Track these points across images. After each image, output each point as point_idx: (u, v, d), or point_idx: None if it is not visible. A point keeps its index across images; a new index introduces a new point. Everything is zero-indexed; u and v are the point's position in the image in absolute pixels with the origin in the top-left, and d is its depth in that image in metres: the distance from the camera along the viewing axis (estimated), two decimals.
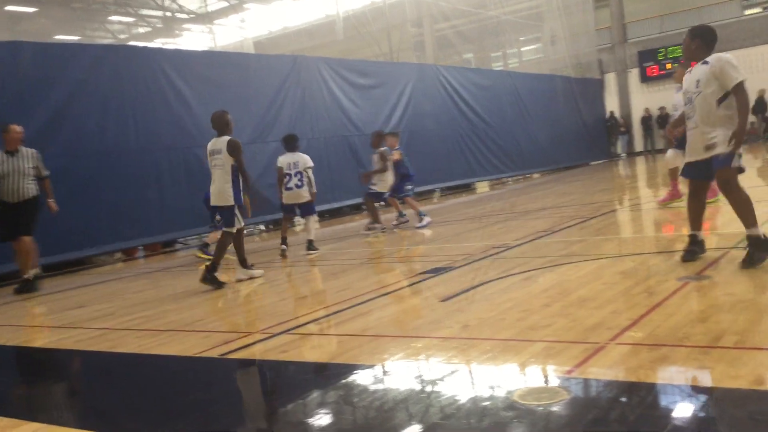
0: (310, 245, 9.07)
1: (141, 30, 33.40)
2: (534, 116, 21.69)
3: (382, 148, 10.43)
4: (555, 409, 2.74)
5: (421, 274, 6.52)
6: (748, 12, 28.56)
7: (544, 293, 4.87)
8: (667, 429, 2.48)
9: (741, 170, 5.01)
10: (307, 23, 31.80)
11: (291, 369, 3.93)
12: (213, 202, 7.10)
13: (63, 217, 8.72)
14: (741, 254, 5.10)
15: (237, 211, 6.98)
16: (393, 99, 16.56)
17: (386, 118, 16.13)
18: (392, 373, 3.57)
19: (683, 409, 2.65)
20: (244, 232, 7.59)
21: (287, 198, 9.16)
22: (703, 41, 5.31)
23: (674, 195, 8.99)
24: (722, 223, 7.51)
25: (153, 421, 3.27)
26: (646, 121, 27.29)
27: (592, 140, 25.81)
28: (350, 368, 3.71)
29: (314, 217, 9.62)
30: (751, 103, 4.83)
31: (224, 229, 7.06)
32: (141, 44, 27.47)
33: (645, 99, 27.80)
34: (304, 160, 9.16)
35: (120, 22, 32.51)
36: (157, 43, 30.58)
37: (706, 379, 2.90)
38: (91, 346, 5.02)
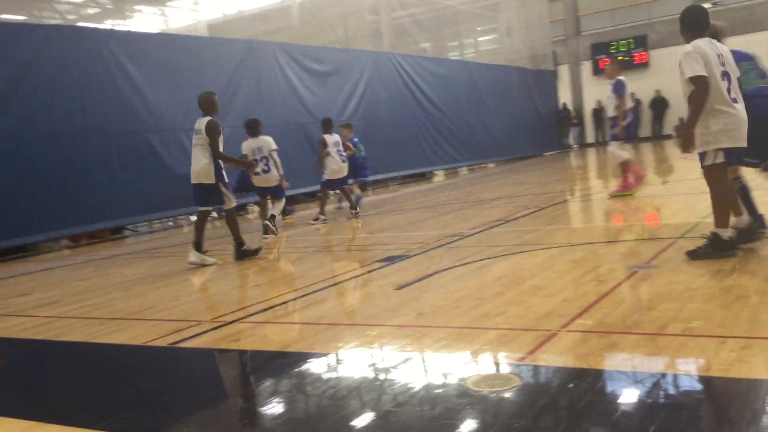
0: (272, 220, 9.09)
1: (90, 11, 32.40)
2: (489, 106, 21.87)
3: (323, 136, 10.42)
4: (507, 395, 2.77)
5: (376, 262, 6.51)
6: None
7: (498, 281, 4.91)
8: (616, 415, 2.52)
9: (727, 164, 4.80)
10: (262, 7, 31.30)
11: (243, 358, 3.88)
12: (193, 180, 7.11)
13: (8, 201, 8.43)
14: (688, 244, 5.23)
15: (224, 189, 7.08)
16: (349, 86, 16.47)
17: (342, 105, 16.05)
18: (346, 362, 3.56)
19: (631, 395, 2.70)
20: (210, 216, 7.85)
21: (258, 183, 9.29)
22: (683, 25, 5.00)
23: (625, 187, 9.15)
24: (670, 213, 7.69)
25: (100, 411, 3.19)
26: (597, 113, 27.78)
27: (546, 131, 26.17)
28: (304, 357, 3.68)
29: (282, 201, 9.68)
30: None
31: (222, 207, 7.30)
32: (90, 25, 26.65)
33: (597, 91, 28.24)
34: (268, 143, 9.23)
35: (69, 2, 31.44)
36: (107, 25, 29.73)
37: (653, 366, 2.96)
38: (37, 335, 4.87)
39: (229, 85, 13.46)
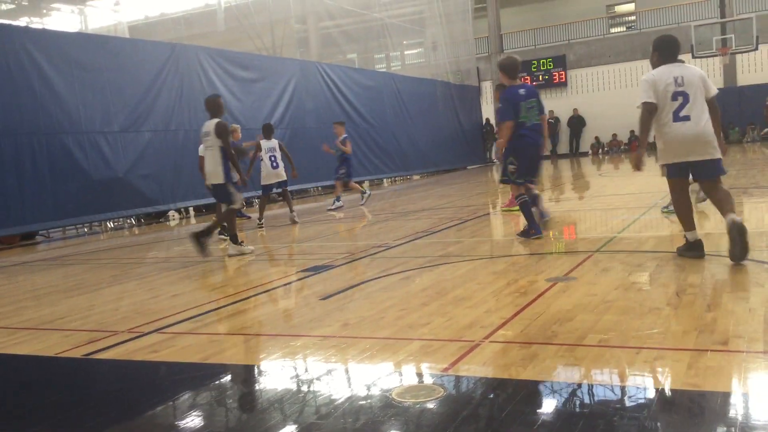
0: (223, 231, 9.16)
1: (4, 7, 30.95)
2: (415, 119, 22.13)
3: (260, 141, 10.78)
4: (431, 406, 2.78)
5: (300, 272, 6.44)
6: (613, 30, 30.60)
7: (423, 292, 4.95)
8: (536, 425, 2.57)
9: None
10: (186, 11, 30.65)
11: (161, 370, 3.74)
12: (207, 181, 7.67)
13: None
14: (604, 258, 5.41)
15: (231, 188, 7.53)
16: (275, 94, 16.34)
17: (268, 112, 15.89)
18: (268, 373, 3.49)
19: (551, 405, 2.76)
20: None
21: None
22: (655, 50, 5.46)
23: (513, 203, 9.36)
24: (586, 228, 7.95)
25: (8, 424, 3.00)
26: None
27: (469, 145, 26.69)
28: (224, 368, 3.59)
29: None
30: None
31: (228, 205, 7.65)
32: (4, 22, 25.52)
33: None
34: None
35: None
36: (21, 22, 28.45)
37: (572, 376, 3.04)
38: None
39: (150, 88, 13.11)
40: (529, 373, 3.12)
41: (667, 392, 2.77)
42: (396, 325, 4.08)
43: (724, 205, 5.11)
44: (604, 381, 2.97)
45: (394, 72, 26.14)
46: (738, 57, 24.48)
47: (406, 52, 30.04)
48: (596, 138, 28.25)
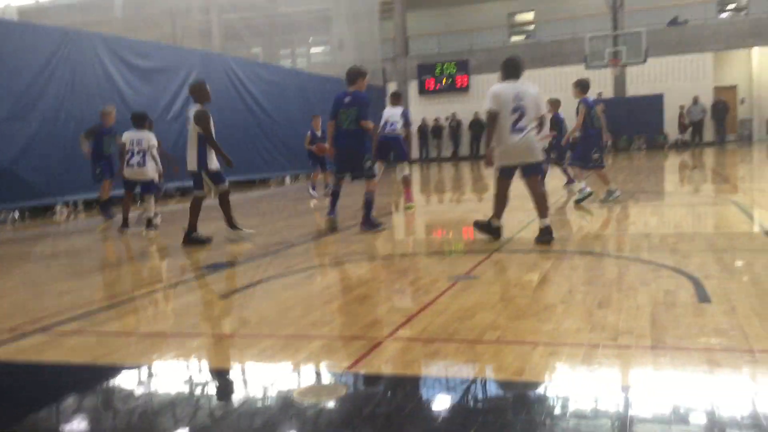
0: (149, 223, 8.98)
1: None
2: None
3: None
4: (333, 405, 2.74)
5: (200, 269, 6.24)
6: (514, 38, 31.62)
7: (326, 290, 4.90)
8: (438, 421, 2.58)
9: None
10: None
11: (47, 372, 3.51)
12: (188, 166, 7.46)
13: None
14: (502, 257, 5.55)
15: (205, 176, 7.37)
16: (175, 85, 15.78)
17: (167, 104, 15.35)
18: (161, 375, 3.34)
19: (452, 401, 2.78)
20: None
21: (130, 175, 9.06)
22: (501, 69, 6.53)
23: (409, 199, 10.32)
24: None
25: None
26: (422, 130, 28.98)
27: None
28: (115, 370, 3.41)
29: (152, 197, 9.30)
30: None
31: (195, 192, 7.53)
32: None
33: (423, 110, 29.50)
34: (148, 138, 9.02)
35: None
36: None
37: (473, 372, 3.08)
38: None
39: (40, 74, 12.35)
40: (431, 370, 3.14)
41: (563, 387, 2.85)
42: (298, 323, 4.01)
43: (541, 208, 6.36)
44: (502, 377, 3.02)
45: (300, 69, 25.92)
46: (628, 69, 25.84)
47: (312, 50, 29.87)
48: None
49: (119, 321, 4.46)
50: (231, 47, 24.42)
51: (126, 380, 3.28)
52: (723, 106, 26.63)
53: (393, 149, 10.46)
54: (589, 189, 9.34)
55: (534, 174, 6.48)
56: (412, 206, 10.30)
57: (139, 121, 9.30)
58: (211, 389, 3.08)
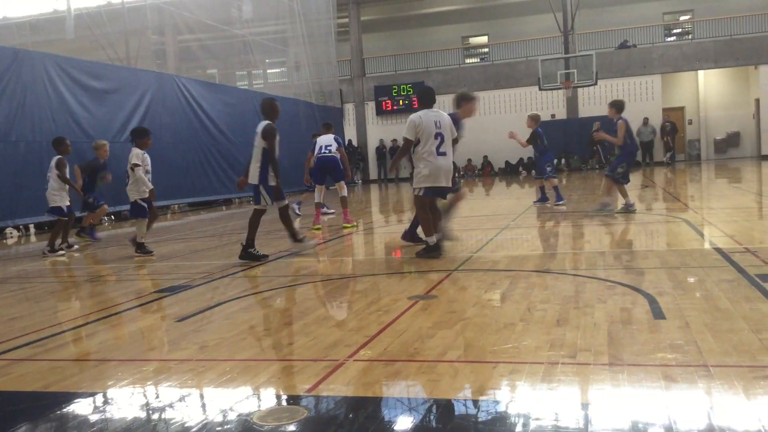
0: (140, 247, 8.70)
1: None
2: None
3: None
4: (293, 428, 2.70)
5: (155, 292, 6.12)
6: (468, 61, 32.12)
7: (286, 312, 4.85)
8: None
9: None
10: (32, 16, 28.62)
11: None
12: (249, 179, 7.58)
13: None
14: (462, 276, 5.57)
15: (263, 191, 7.44)
16: (129, 107, 15.58)
17: (121, 125, 15.13)
18: (116, 401, 3.25)
19: (414, 421, 2.77)
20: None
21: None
22: (418, 98, 7.36)
23: (317, 221, 10.87)
24: (446, 247, 8.16)
25: None
26: (380, 151, 29.12)
27: None
28: (67, 397, 3.30)
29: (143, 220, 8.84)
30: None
31: (254, 206, 7.61)
32: None
33: (380, 131, 29.71)
34: (129, 157, 8.62)
35: None
36: None
37: (434, 391, 3.07)
38: None
39: None
40: (393, 390, 3.13)
41: (524, 405, 2.86)
42: (257, 346, 3.95)
43: (426, 226, 6.90)
44: (464, 395, 3.03)
45: (257, 90, 25.82)
46: (580, 90, 26.48)
47: (268, 71, 29.80)
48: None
49: (72, 347, 4.33)
50: (186, 68, 24.18)
51: (80, 408, 3.18)
52: (672, 126, 27.46)
53: (330, 171, 10.99)
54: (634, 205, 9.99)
55: (441, 197, 7.16)
56: (350, 226, 10.60)
57: (55, 145, 9.52)
58: (169, 415, 3.00)
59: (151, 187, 8.69)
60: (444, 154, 6.82)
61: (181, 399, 3.19)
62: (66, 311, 5.65)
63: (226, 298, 5.55)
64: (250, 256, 7.47)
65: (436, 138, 6.74)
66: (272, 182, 7.46)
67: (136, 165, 8.46)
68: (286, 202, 7.71)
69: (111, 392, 3.34)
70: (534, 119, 12.24)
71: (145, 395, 3.30)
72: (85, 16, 24.02)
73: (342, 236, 9.88)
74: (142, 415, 3.04)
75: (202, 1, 22.93)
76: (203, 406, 3.12)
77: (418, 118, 6.81)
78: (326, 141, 11.07)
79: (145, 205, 8.62)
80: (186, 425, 2.82)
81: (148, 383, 3.45)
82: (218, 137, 18.83)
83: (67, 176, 9.44)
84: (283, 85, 27.74)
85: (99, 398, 3.28)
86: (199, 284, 6.26)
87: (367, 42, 30.98)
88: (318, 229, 10.60)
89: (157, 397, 3.28)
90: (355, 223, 11.07)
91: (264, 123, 7.60)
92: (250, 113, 20.49)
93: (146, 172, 8.64)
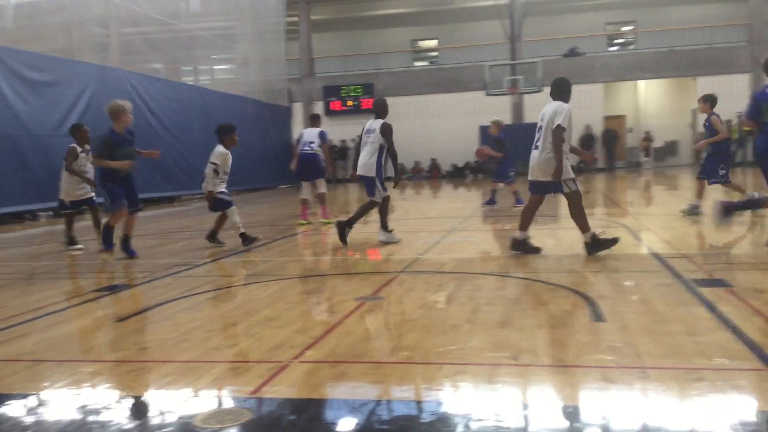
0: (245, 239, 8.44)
1: None
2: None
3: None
4: (236, 431, 2.66)
5: (94, 291, 5.95)
6: (417, 64, 32.32)
7: (230, 313, 4.79)
8: None
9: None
10: None
11: None
12: (359, 172, 8.22)
13: None
14: (408, 278, 5.61)
15: (378, 183, 8.04)
16: (70, 99, 15.12)
17: (61, 118, 14.66)
18: (51, 403, 3.15)
19: (360, 422, 2.76)
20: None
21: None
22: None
23: (304, 217, 11.03)
24: (393, 249, 8.21)
25: None
26: (330, 150, 28.99)
27: (280, 165, 26.56)
28: (0, 399, 3.18)
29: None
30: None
31: (369, 197, 8.12)
32: None
33: (329, 131, 29.50)
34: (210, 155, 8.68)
35: None
36: None
37: (380, 393, 3.08)
38: None
39: None
40: (338, 392, 3.12)
41: (468, 406, 2.89)
42: (200, 347, 3.88)
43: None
44: (409, 397, 3.04)
45: (203, 86, 25.41)
46: (525, 97, 26.94)
47: (215, 67, 29.37)
48: (401, 164, 29.55)
49: (4, 347, 4.18)
50: (130, 61, 23.60)
51: (13, 410, 3.07)
52: (613, 134, 28.22)
53: (309, 168, 10.87)
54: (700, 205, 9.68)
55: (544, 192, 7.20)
56: (328, 222, 10.58)
57: (71, 132, 9.32)
58: (108, 417, 2.92)
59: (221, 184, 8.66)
60: (536, 147, 7.10)
61: (120, 401, 3.12)
62: (1, 309, 5.44)
63: (169, 298, 5.44)
64: (386, 229, 8.23)
65: (537, 131, 7.25)
66: (381, 175, 8.12)
67: (215, 164, 8.43)
68: (388, 193, 8.28)
69: (45, 394, 3.24)
70: (497, 125, 12.40)
71: (82, 397, 3.20)
72: (26, 6, 23.22)
73: (288, 236, 9.80)
74: (78, 417, 2.95)
75: None
76: (143, 408, 3.05)
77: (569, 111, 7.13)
78: (310, 137, 10.89)
79: (228, 197, 8.51)
80: (125, 428, 2.75)
81: (85, 385, 3.35)
82: (162, 133, 18.45)
83: (73, 166, 8.69)
84: (231, 82, 27.35)
85: (33, 400, 3.17)
86: (140, 283, 6.12)
87: (317, 42, 30.84)
88: (305, 224, 10.70)
89: (96, 399, 3.19)
90: (332, 219, 10.65)
91: (380, 121, 8.17)
92: (196, 110, 20.18)
93: (224, 172, 8.47)
